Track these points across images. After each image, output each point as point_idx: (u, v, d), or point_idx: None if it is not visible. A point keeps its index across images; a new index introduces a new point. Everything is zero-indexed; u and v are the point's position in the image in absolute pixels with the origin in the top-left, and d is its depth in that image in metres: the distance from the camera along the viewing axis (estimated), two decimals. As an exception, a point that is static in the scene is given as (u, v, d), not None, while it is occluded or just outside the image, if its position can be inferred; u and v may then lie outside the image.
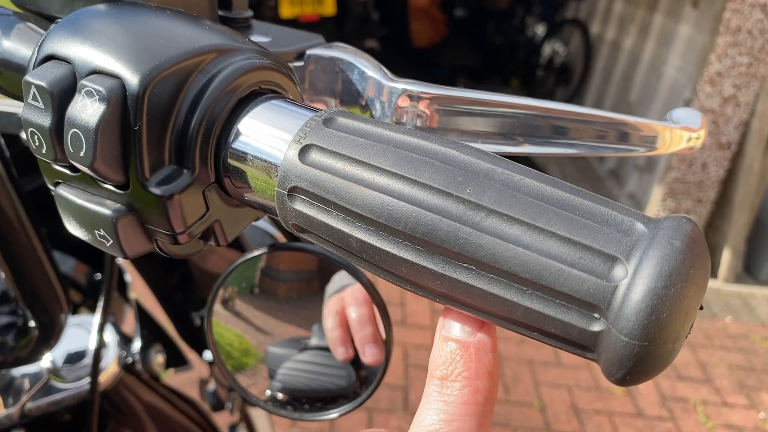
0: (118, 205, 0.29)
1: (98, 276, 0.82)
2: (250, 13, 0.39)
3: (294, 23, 4.20)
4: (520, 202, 0.23)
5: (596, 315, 0.21)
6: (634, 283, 0.20)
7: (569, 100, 5.15)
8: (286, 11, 3.94)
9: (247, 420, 1.02)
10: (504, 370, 2.65)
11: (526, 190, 0.23)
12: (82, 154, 0.27)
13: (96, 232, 0.30)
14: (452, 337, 0.27)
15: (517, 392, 2.54)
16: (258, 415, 1.05)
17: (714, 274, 3.46)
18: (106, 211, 0.29)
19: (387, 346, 0.46)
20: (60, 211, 0.31)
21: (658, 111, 3.77)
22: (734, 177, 3.24)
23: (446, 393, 0.27)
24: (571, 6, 5.44)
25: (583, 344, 0.22)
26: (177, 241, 0.29)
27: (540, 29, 5.59)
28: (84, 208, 0.29)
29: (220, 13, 0.38)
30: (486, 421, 0.27)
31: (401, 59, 5.97)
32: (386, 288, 2.92)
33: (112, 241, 0.29)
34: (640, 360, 0.21)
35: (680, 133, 0.39)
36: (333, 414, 0.48)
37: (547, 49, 5.40)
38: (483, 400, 0.27)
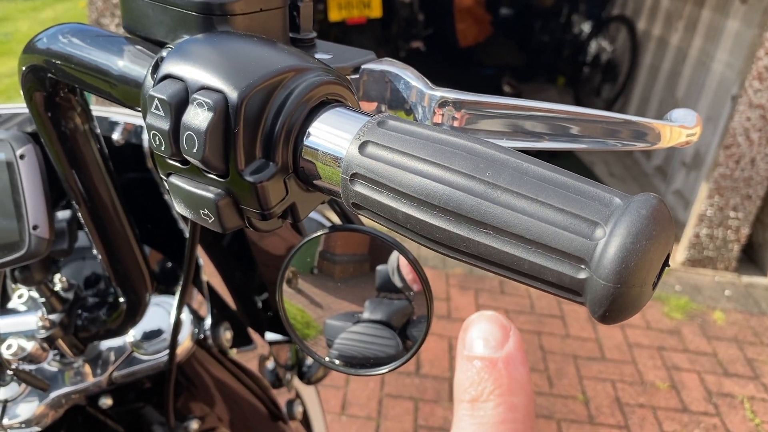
0: (219, 189, 0.37)
1: (169, 264, 0.92)
2: (314, 34, 0.47)
3: (341, 26, 4.29)
4: (527, 182, 0.30)
5: (582, 266, 0.28)
6: (610, 241, 0.27)
7: (616, 97, 5.11)
8: (334, 15, 4.04)
9: (301, 398, 1.11)
10: (548, 364, 2.69)
11: (532, 174, 0.31)
12: (194, 150, 0.35)
13: (201, 211, 0.38)
14: (476, 355, 0.25)
15: (561, 386, 2.57)
16: (308, 393, 1.14)
17: (763, 271, 3.42)
18: (210, 195, 0.37)
19: (428, 315, 0.54)
20: (171, 195, 0.40)
21: (706, 107, 3.74)
22: (784, 173, 3.20)
23: (479, 415, 0.24)
24: (618, 3, 5.40)
25: (573, 289, 0.29)
26: (264, 218, 0.38)
27: (586, 27, 5.54)
28: (192, 192, 0.38)
29: (291, 35, 0.47)
30: None
31: (446, 59, 6.01)
32: (433, 284, 2.98)
33: (213, 218, 0.38)
34: (615, 299, 0.28)
35: (678, 130, 0.45)
36: (383, 370, 0.56)
37: (593, 47, 5.35)
38: (522, 417, 0.24)
